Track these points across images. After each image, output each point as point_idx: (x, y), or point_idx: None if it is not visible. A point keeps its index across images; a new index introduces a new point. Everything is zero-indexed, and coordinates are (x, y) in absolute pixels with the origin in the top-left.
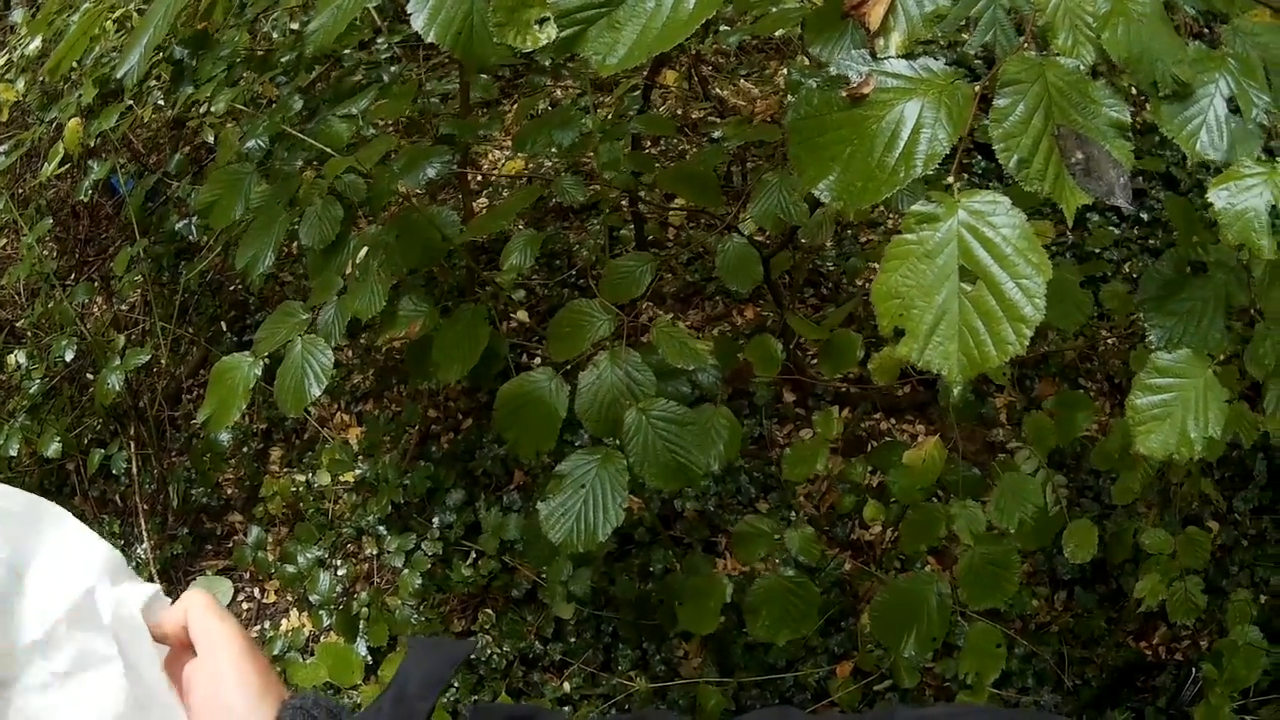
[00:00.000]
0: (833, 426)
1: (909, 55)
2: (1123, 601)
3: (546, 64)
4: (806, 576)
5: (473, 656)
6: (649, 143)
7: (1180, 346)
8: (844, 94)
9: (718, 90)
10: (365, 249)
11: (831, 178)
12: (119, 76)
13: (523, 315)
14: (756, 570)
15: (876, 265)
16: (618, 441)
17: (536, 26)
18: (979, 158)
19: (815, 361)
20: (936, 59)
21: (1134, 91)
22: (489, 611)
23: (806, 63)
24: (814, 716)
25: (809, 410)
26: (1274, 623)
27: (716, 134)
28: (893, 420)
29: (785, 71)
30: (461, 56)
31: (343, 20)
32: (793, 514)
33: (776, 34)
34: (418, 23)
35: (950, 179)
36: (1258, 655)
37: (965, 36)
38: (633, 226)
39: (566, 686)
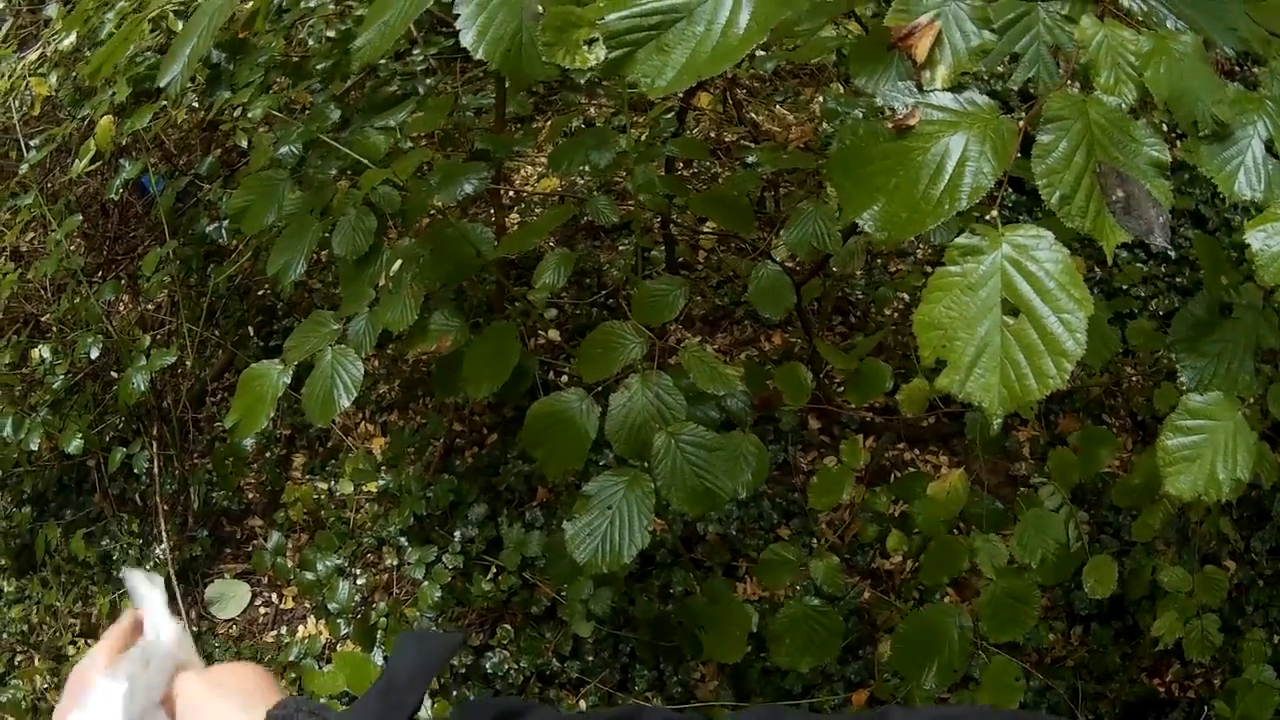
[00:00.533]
0: (858, 456)
1: (955, 88)
2: (1138, 638)
3: (582, 82)
4: (830, 605)
5: (489, 671)
6: (682, 165)
7: (1211, 388)
8: (890, 125)
9: (752, 115)
10: (398, 261)
11: (876, 208)
12: (161, 85)
13: (554, 334)
14: (777, 597)
15: (905, 295)
16: (645, 464)
17: (585, 47)
18: (1009, 190)
19: (842, 389)
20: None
21: (1164, 129)
22: (507, 627)
23: (842, 90)
24: (807, 715)
25: (834, 438)
26: None
27: (750, 159)
28: (916, 450)
29: (820, 99)
30: (509, 74)
31: (390, 36)
32: (815, 541)
33: (812, 61)
34: (467, 40)
35: (994, 212)
36: (1271, 695)
37: (1000, 70)
38: (664, 248)
39: (582, 705)
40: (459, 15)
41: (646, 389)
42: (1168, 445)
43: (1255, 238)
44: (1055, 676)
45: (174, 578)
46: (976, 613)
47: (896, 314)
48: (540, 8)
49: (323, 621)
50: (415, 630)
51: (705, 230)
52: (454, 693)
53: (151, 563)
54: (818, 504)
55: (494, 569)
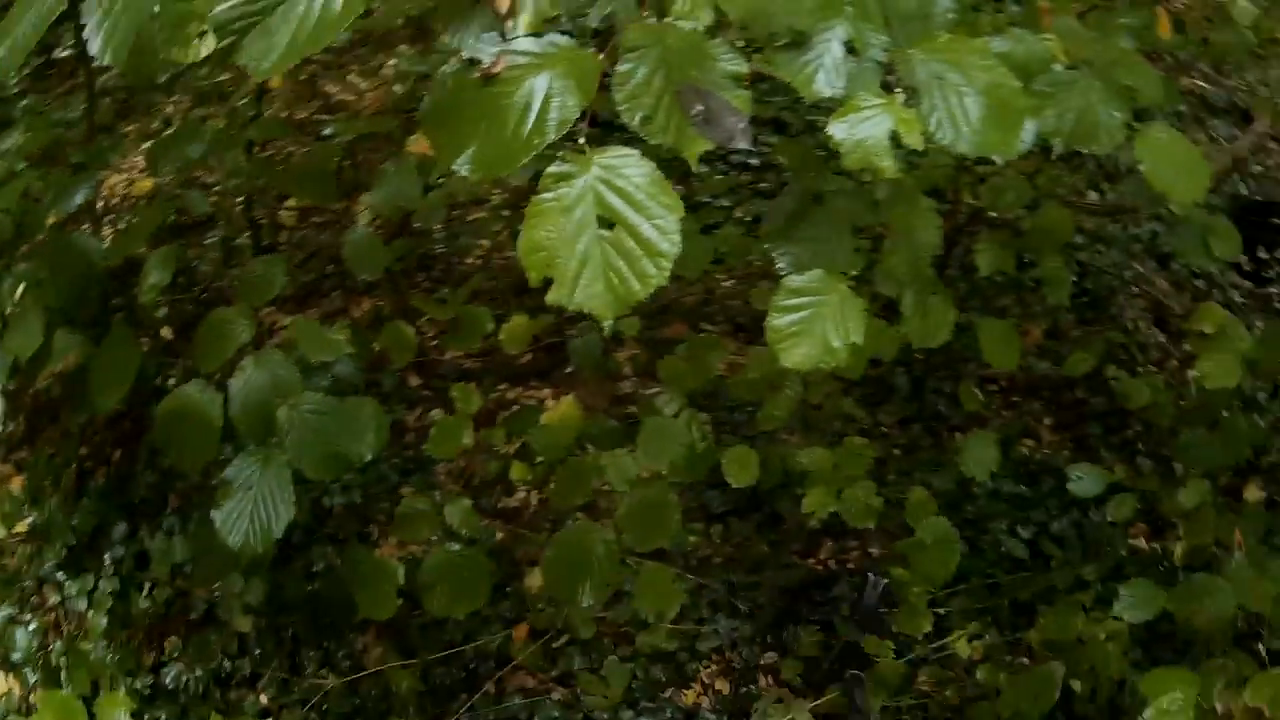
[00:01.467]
0: (472, 401)
1: (537, 34)
2: (780, 524)
3: (160, 82)
4: (473, 548)
5: (171, 686)
6: (257, 148)
7: (809, 269)
8: (477, 75)
9: (326, 88)
10: (21, 286)
11: (469, 152)
12: None
13: (166, 332)
14: (416, 553)
15: (487, 241)
16: (276, 440)
17: (198, 40)
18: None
19: (435, 342)
20: (562, 35)
21: (743, 44)
22: (174, 638)
23: (412, 51)
24: None
25: (435, 390)
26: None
27: (327, 130)
28: (519, 389)
29: (393, 62)
30: (133, 76)
31: (22, 50)
32: (436, 493)
33: (380, 27)
34: (94, 48)
35: (582, 140)
36: (952, 547)
37: (589, 13)
38: (250, 234)
39: (263, 699)
40: (85, 26)
41: (261, 368)
42: (776, 325)
43: (838, 128)
44: (707, 575)
45: None
46: (619, 527)
47: (480, 260)
48: (156, 8)
49: (11, 674)
50: None
51: (286, 208)
52: (144, 715)
53: None
54: (440, 452)
55: (148, 584)
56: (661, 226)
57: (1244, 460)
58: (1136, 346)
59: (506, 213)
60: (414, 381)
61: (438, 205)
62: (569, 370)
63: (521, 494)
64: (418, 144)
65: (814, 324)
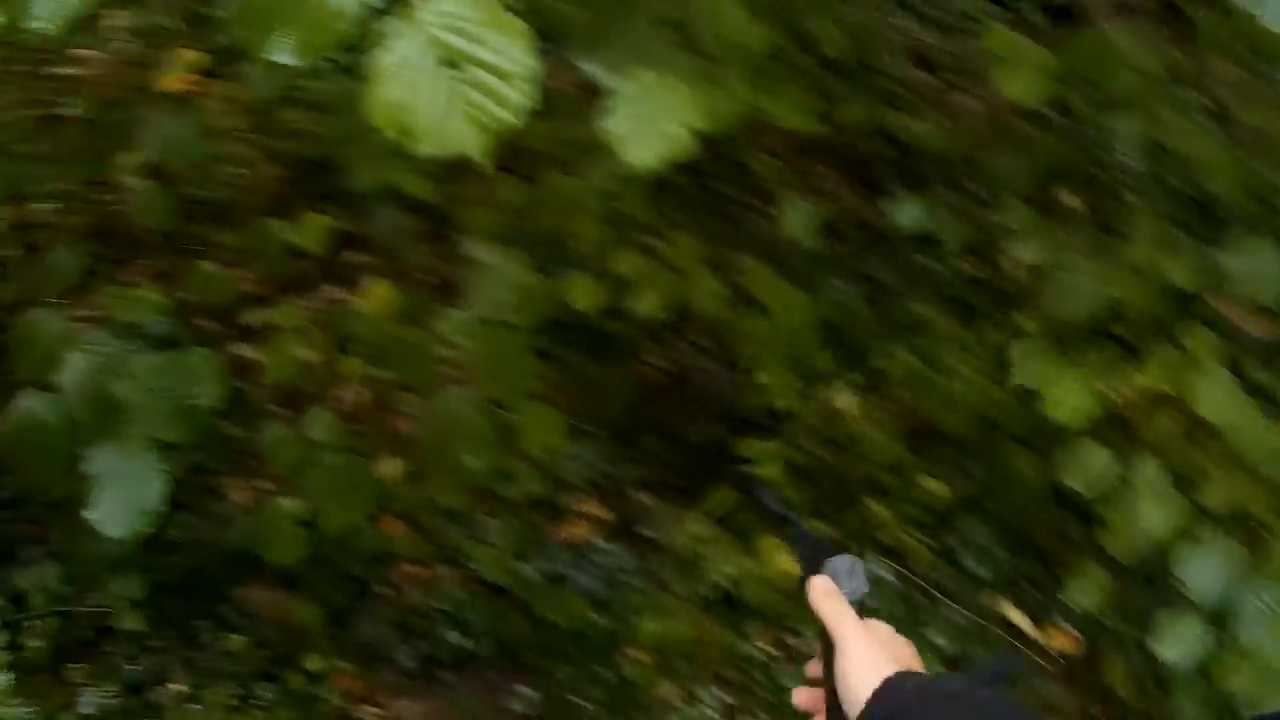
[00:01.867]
0: (293, 316)
1: None
2: (609, 342)
3: None
4: (345, 452)
5: (98, 714)
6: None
7: (625, 70)
8: None
9: (54, 71)
10: None
11: (288, 40)
12: None
13: None
14: (258, 488)
15: (246, 170)
16: (124, 416)
17: None
18: None
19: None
20: None
21: None
22: (81, 665)
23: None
24: None
25: (232, 324)
26: None
27: (74, 111)
28: (308, 298)
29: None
30: None
31: None
32: (265, 418)
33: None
34: None
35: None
36: (796, 299)
37: None
38: (20, 244)
39: (184, 687)
40: None
41: (84, 353)
42: (614, 130)
43: None
44: (571, 415)
45: None
46: (478, 383)
47: (243, 186)
48: None
49: None
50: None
51: (36, 202)
52: None
53: None
54: (280, 375)
55: (33, 623)
56: (509, 53)
57: (1053, 172)
58: (909, 91)
59: (253, 135)
60: (211, 326)
61: (192, 142)
62: (355, 264)
63: (351, 394)
64: (170, 81)
65: (649, 120)
